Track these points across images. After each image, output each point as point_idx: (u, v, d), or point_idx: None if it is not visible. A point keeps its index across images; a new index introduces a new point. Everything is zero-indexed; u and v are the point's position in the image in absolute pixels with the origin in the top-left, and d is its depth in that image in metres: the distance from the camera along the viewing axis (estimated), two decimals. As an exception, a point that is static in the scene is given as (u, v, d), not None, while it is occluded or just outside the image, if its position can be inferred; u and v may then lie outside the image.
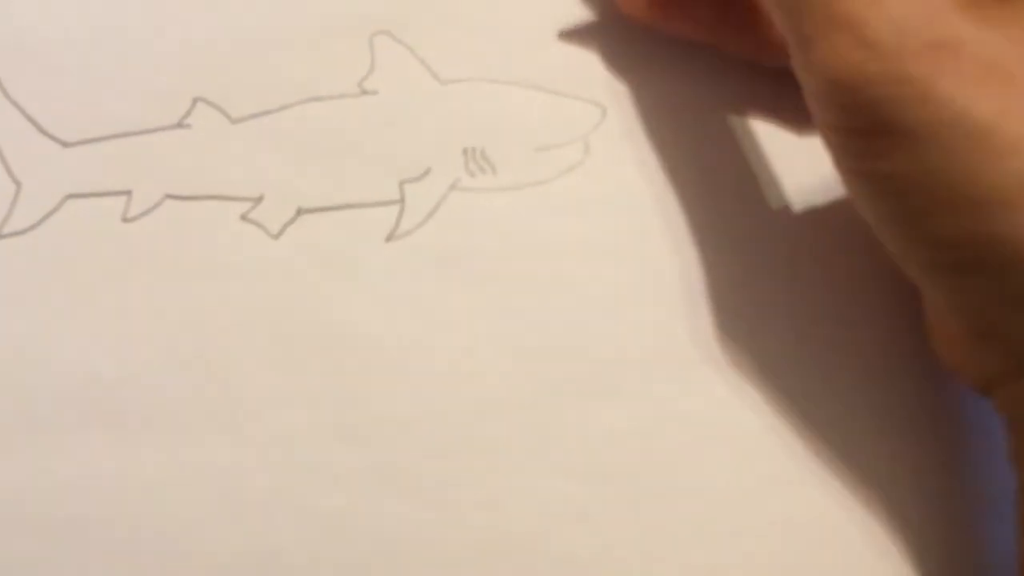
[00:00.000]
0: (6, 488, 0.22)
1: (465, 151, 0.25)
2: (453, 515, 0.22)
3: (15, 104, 0.24)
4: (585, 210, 0.24)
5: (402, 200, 0.24)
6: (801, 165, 0.24)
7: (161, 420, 0.22)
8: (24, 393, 0.22)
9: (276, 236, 0.24)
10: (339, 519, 0.22)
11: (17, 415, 0.22)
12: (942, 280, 0.18)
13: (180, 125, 0.24)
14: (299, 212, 0.24)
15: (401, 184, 0.24)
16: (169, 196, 0.24)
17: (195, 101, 0.25)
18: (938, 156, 0.17)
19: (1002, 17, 0.17)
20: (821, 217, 0.24)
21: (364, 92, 0.25)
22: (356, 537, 0.22)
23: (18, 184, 0.24)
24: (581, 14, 0.26)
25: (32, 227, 0.23)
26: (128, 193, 0.24)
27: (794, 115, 0.24)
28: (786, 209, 0.24)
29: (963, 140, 0.16)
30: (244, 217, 0.24)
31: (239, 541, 0.22)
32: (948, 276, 0.18)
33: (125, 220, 0.24)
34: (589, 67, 0.25)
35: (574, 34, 0.25)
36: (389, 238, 0.24)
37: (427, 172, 0.25)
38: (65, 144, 0.24)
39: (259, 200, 0.24)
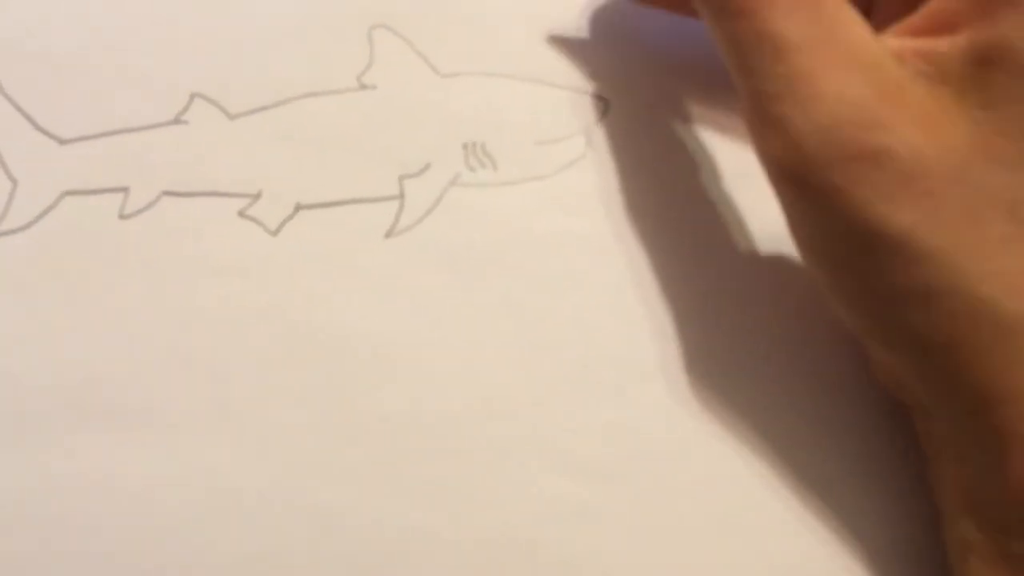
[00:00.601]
0: (2, 486, 0.21)
1: (465, 146, 0.25)
2: (453, 514, 0.22)
3: (11, 100, 0.24)
4: (586, 205, 0.24)
5: (402, 196, 0.24)
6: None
7: (158, 418, 0.22)
8: (20, 391, 0.22)
9: (274, 233, 0.24)
10: (339, 518, 0.22)
11: (13, 413, 0.22)
12: (867, 343, 0.20)
13: (177, 121, 0.24)
14: (297, 208, 0.24)
15: (401, 179, 0.24)
16: (166, 193, 0.24)
17: (192, 97, 0.24)
18: (859, 256, 0.18)
19: (937, 122, 0.18)
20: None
21: (363, 87, 0.25)
22: (356, 537, 0.22)
23: (14, 181, 0.24)
24: (581, 6, 0.25)
25: (28, 224, 0.23)
26: (125, 190, 0.24)
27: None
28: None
29: (881, 247, 0.18)
30: (242, 214, 0.24)
31: (238, 540, 0.21)
32: (870, 344, 0.20)
33: (122, 217, 0.23)
34: (591, 60, 0.25)
35: (575, 27, 0.25)
36: (389, 234, 0.24)
37: (427, 167, 0.24)
38: (62, 141, 0.24)
39: (257, 196, 0.24)
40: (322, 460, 0.22)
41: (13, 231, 0.23)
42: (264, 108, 0.24)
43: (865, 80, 0.18)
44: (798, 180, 0.18)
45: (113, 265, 0.23)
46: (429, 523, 0.22)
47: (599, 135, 0.25)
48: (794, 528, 0.22)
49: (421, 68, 0.25)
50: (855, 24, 0.19)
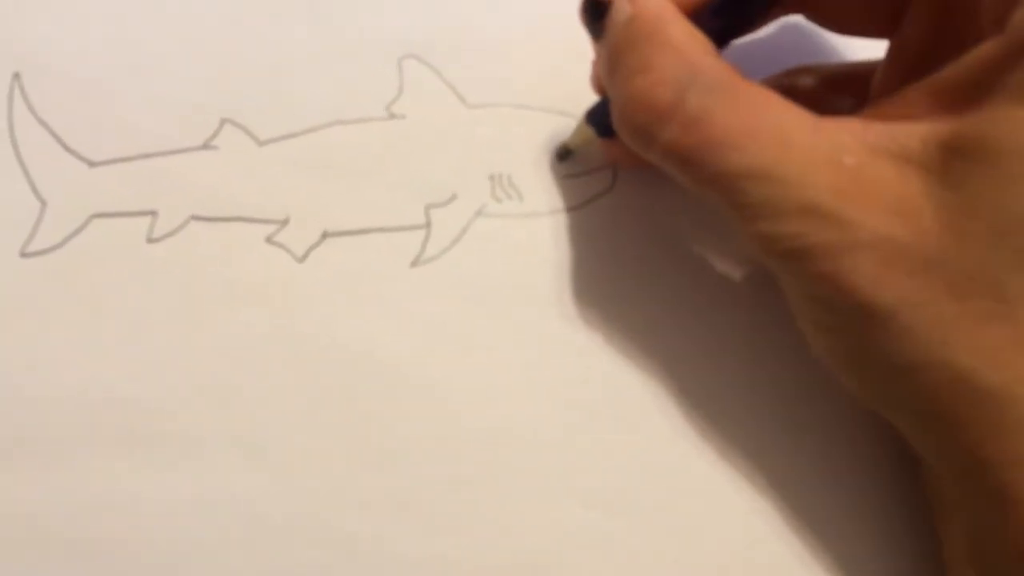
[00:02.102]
0: (27, 508, 0.22)
1: (492, 177, 0.25)
2: (473, 541, 0.22)
3: (42, 123, 0.24)
4: (611, 238, 0.24)
5: (428, 225, 0.24)
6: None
7: (182, 443, 0.22)
8: (46, 413, 0.22)
9: (301, 259, 0.24)
10: (361, 545, 0.22)
11: (38, 435, 0.22)
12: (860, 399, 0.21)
13: (206, 146, 0.24)
14: (324, 235, 0.24)
15: (427, 209, 0.24)
16: (194, 217, 0.24)
17: (222, 122, 0.25)
18: (849, 329, 0.19)
19: (907, 205, 0.18)
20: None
21: (392, 116, 0.25)
22: (378, 563, 0.22)
23: (43, 202, 0.24)
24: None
25: (56, 246, 0.23)
26: (153, 213, 0.24)
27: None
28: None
29: (869, 322, 0.18)
30: (269, 240, 0.24)
31: (261, 565, 0.21)
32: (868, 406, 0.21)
33: (150, 241, 0.24)
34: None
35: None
36: (414, 263, 0.24)
37: (453, 197, 0.24)
38: (91, 163, 0.24)
39: (285, 223, 0.24)
40: (344, 487, 0.22)
41: (41, 252, 0.23)
42: (293, 135, 0.25)
43: (819, 185, 0.18)
44: (790, 272, 0.19)
45: (140, 288, 0.23)
46: (449, 550, 0.22)
47: (625, 170, 0.25)
48: (801, 566, 0.22)
49: (450, 98, 0.25)
50: (795, 132, 0.19)
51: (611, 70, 0.21)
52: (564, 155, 0.25)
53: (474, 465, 0.22)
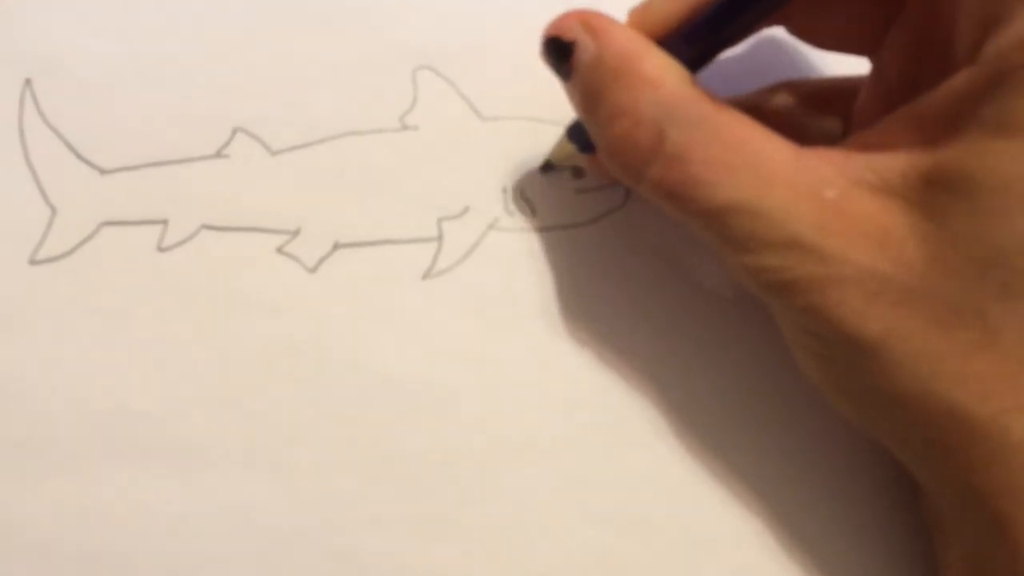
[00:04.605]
0: (32, 517, 0.21)
1: (505, 190, 0.25)
2: (482, 557, 0.22)
3: (53, 129, 0.24)
4: (623, 254, 0.24)
5: (440, 238, 0.24)
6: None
7: (190, 454, 0.22)
8: (52, 422, 0.22)
9: (312, 270, 0.24)
10: (369, 558, 0.22)
11: (45, 444, 0.22)
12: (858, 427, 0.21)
13: (219, 155, 0.24)
14: (336, 246, 0.24)
15: (439, 221, 0.24)
16: (205, 227, 0.24)
17: (235, 131, 0.24)
18: (840, 359, 0.19)
19: (889, 237, 0.18)
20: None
21: (405, 127, 0.25)
22: (384, 575, 0.22)
23: (53, 210, 0.24)
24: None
25: (66, 254, 0.23)
26: (164, 222, 0.24)
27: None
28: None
29: (858, 353, 0.18)
30: (280, 250, 0.24)
31: (267, 581, 0.21)
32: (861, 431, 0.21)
33: (160, 249, 0.23)
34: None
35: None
36: (426, 276, 0.24)
37: (466, 210, 0.24)
38: (102, 171, 0.24)
39: (296, 233, 0.24)
40: (353, 499, 0.22)
41: (50, 259, 0.23)
42: (306, 145, 0.24)
43: (801, 219, 0.18)
44: (777, 302, 0.19)
45: (150, 297, 0.23)
46: (454, 564, 0.22)
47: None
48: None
49: (464, 111, 0.25)
50: (777, 165, 0.19)
51: (587, 112, 0.21)
52: (547, 168, 0.25)
53: (482, 478, 0.22)
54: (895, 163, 0.19)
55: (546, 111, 0.25)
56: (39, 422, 0.22)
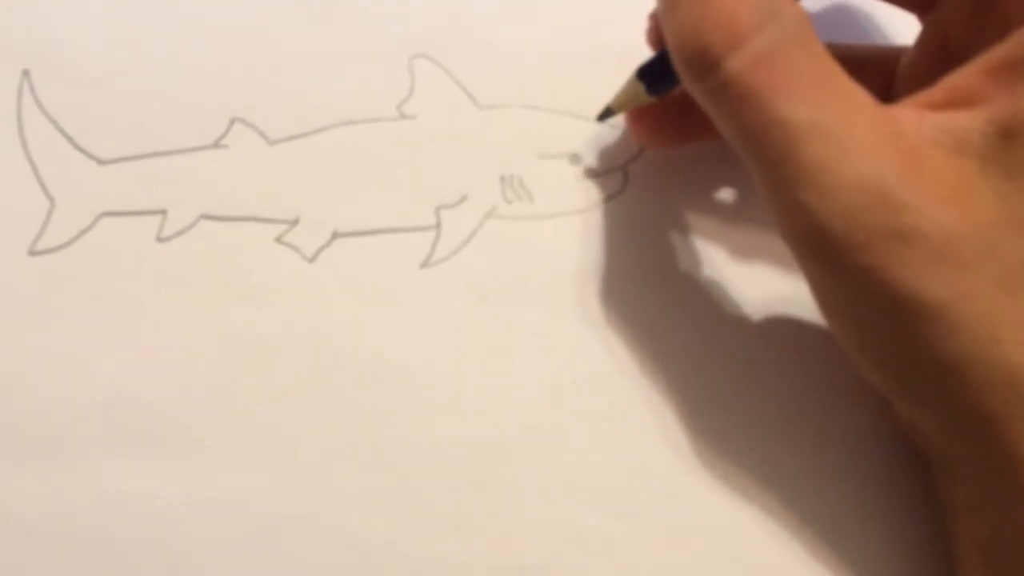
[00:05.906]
0: (32, 506, 0.21)
1: (502, 178, 0.25)
2: (480, 542, 0.22)
3: (51, 120, 0.24)
4: (622, 240, 0.24)
5: (438, 226, 0.24)
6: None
7: (189, 442, 0.22)
8: (54, 412, 0.22)
9: (311, 259, 0.24)
10: (368, 545, 0.22)
11: (46, 434, 0.22)
12: (893, 400, 0.20)
13: (217, 145, 0.24)
14: (334, 236, 0.24)
15: (437, 210, 0.24)
16: (204, 216, 0.24)
17: (232, 122, 0.24)
18: (891, 326, 0.18)
19: (962, 196, 0.17)
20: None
21: (403, 116, 0.25)
22: (385, 564, 0.21)
23: (52, 200, 0.24)
24: (621, 44, 0.25)
25: (65, 244, 0.23)
26: (163, 212, 0.24)
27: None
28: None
29: (915, 319, 0.17)
30: (279, 240, 0.24)
31: (269, 566, 0.21)
32: (896, 402, 0.20)
33: (159, 240, 0.23)
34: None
35: (615, 63, 0.25)
36: (424, 264, 0.24)
37: (464, 198, 0.24)
38: (101, 161, 0.24)
39: (294, 223, 0.24)
40: (353, 487, 0.22)
41: (49, 250, 0.23)
42: (304, 135, 0.25)
43: (884, 161, 0.17)
44: (825, 260, 0.18)
45: (149, 287, 0.23)
46: (456, 551, 0.22)
47: (637, 171, 0.25)
48: (807, 570, 0.22)
49: (461, 99, 0.25)
50: (864, 102, 0.18)
51: None
52: (605, 115, 0.24)
53: (482, 466, 0.22)
54: (971, 121, 0.18)
55: (543, 98, 0.25)
56: (38, 411, 0.22)
